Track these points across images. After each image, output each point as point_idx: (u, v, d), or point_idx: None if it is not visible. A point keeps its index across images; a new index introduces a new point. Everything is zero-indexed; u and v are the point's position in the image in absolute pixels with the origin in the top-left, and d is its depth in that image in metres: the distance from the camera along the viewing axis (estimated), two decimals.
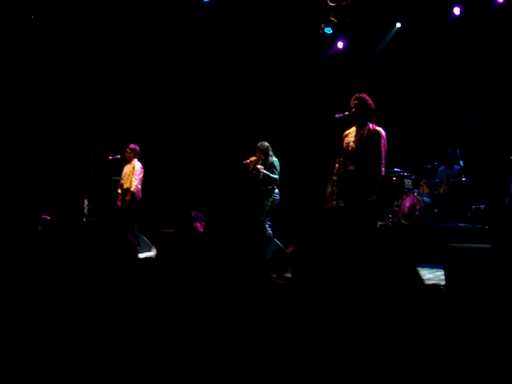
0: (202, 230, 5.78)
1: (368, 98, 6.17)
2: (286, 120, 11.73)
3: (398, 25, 11.34)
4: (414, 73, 11.32)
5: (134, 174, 9.44)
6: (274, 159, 8.43)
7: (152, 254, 7.40)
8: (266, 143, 8.49)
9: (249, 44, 11.59)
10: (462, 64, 10.97)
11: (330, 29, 11.27)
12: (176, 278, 2.78)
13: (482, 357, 1.99)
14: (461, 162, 9.77)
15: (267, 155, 8.40)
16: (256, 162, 8.45)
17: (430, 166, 9.98)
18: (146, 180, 9.60)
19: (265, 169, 8.30)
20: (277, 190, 8.39)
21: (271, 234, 8.13)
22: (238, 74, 11.74)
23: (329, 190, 9.82)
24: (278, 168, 8.38)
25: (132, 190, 9.34)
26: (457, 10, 10.50)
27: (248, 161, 8.49)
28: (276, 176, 8.34)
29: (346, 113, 6.12)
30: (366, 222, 6.02)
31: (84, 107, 11.04)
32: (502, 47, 10.44)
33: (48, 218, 8.98)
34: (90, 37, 10.73)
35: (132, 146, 9.62)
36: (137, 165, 9.51)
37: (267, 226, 8.27)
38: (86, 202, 10.72)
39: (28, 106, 10.55)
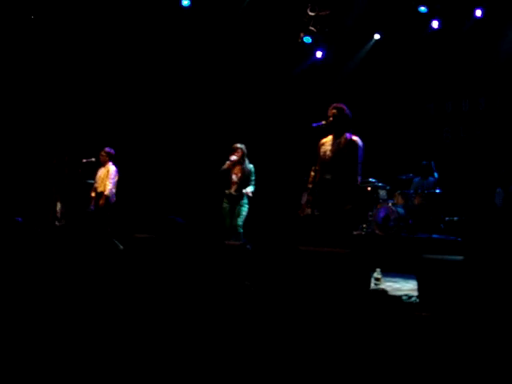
0: None
1: (346, 107, 6.17)
2: (264, 127, 11.72)
3: (377, 36, 11.42)
4: (390, 84, 11.41)
5: (108, 177, 9.35)
6: (251, 165, 8.25)
7: None
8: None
9: (228, 52, 11.57)
10: (439, 76, 11.08)
11: (309, 38, 11.32)
12: (153, 281, 2.74)
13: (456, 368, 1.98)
14: (435, 174, 9.85)
15: (245, 159, 8.21)
16: (236, 162, 8.13)
17: (404, 177, 10.02)
18: (120, 184, 9.51)
19: (243, 174, 8.11)
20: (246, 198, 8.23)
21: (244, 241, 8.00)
22: (216, 80, 11.71)
23: (304, 198, 9.84)
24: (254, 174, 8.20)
25: (106, 193, 9.26)
26: (435, 24, 10.60)
27: (232, 160, 8.09)
28: (254, 185, 8.19)
29: (323, 122, 6.12)
30: (340, 231, 6.02)
31: (59, 109, 10.92)
32: (478, 61, 10.58)
33: (20, 219, 8.82)
34: (64, 40, 10.65)
35: (107, 149, 9.54)
36: (111, 168, 9.42)
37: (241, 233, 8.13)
38: (58, 205, 10.57)
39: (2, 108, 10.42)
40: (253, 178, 8.13)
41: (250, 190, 8.03)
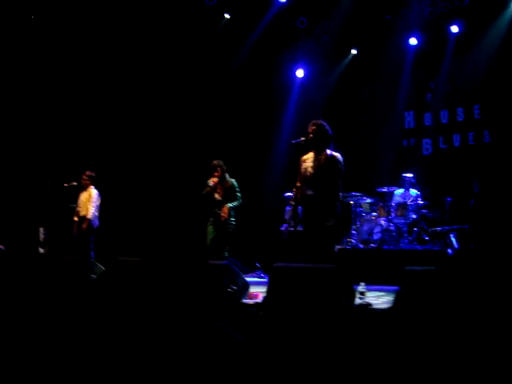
0: None
1: (325, 124, 6.22)
2: (243, 143, 11.76)
3: (354, 51, 11.55)
4: (369, 97, 11.52)
5: (90, 201, 9.30)
6: (232, 180, 8.17)
7: None
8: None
9: (205, 68, 11.60)
10: (417, 89, 11.22)
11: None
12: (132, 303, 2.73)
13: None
14: (417, 186, 9.91)
15: (225, 176, 8.09)
16: (216, 184, 8.07)
17: (386, 190, 10.03)
18: (102, 207, 9.47)
19: (225, 192, 8.00)
20: (233, 213, 8.18)
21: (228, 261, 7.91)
22: (194, 98, 11.72)
23: (287, 214, 9.87)
24: (238, 188, 8.11)
25: (88, 217, 9.20)
26: (413, 41, 10.78)
27: (211, 185, 7.98)
28: (240, 199, 8.09)
29: (303, 138, 6.17)
30: (324, 246, 6.04)
31: (40, 132, 10.87)
32: (456, 73, 10.75)
33: (2, 247, 8.74)
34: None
35: (88, 172, 9.49)
36: (93, 192, 9.38)
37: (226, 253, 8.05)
38: (41, 230, 10.49)
39: None
40: (237, 191, 8.06)
41: (227, 206, 7.98)
